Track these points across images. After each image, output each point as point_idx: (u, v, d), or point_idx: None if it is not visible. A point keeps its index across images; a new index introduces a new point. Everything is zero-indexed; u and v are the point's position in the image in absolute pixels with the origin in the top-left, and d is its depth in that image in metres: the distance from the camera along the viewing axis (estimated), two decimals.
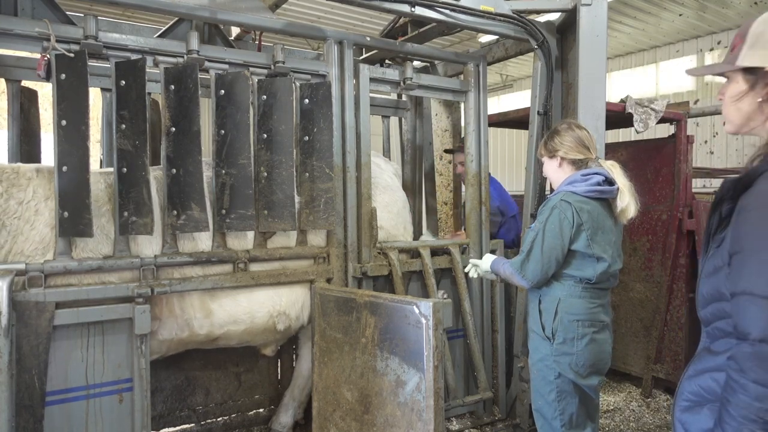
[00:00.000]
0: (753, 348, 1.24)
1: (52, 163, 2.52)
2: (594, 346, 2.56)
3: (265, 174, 2.94)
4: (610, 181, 2.63)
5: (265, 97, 2.95)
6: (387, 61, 4.10)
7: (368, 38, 3.47)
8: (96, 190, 2.64)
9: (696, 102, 11.04)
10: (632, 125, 4.34)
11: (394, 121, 4.53)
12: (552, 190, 2.85)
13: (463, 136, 4.28)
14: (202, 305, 2.86)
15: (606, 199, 2.63)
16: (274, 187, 2.95)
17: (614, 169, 2.67)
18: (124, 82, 2.60)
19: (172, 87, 2.72)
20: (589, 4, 3.37)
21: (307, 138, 3.07)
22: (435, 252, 3.64)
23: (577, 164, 2.70)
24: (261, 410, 3.82)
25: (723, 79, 1.54)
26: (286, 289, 3.10)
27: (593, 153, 2.73)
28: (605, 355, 2.63)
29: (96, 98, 3.76)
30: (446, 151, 4.45)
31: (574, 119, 3.45)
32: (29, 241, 2.48)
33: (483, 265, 2.90)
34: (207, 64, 2.88)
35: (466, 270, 3.06)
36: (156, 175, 2.86)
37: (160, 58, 2.78)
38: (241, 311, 2.95)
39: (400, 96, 4.37)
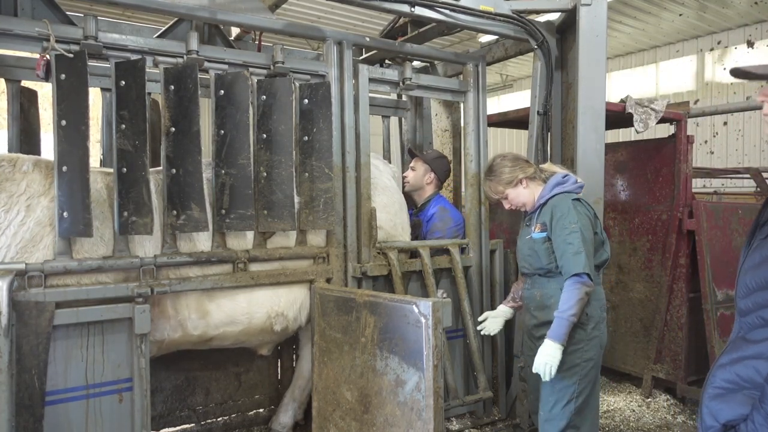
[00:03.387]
0: None
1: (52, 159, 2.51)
2: (604, 327, 2.83)
3: (265, 174, 2.95)
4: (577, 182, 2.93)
5: (264, 97, 2.95)
6: (387, 61, 4.11)
7: (368, 38, 3.47)
8: (93, 191, 2.64)
9: (696, 102, 11.05)
10: (632, 125, 4.34)
11: (394, 121, 4.54)
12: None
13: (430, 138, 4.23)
14: (199, 306, 2.85)
15: None
16: (273, 187, 2.95)
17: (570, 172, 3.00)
18: (124, 83, 2.61)
19: (172, 87, 2.72)
20: (589, 4, 3.37)
21: (306, 138, 3.08)
22: (434, 252, 3.65)
23: (534, 177, 2.92)
24: (261, 410, 3.82)
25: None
26: (285, 290, 3.09)
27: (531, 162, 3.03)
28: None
29: (96, 98, 3.76)
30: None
31: (573, 118, 3.47)
32: (18, 236, 2.45)
33: (553, 356, 2.60)
34: (207, 64, 2.88)
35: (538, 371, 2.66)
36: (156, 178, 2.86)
37: (160, 58, 2.78)
38: (239, 312, 2.94)
39: (399, 96, 4.37)
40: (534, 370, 2.65)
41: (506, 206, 2.99)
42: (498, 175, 2.91)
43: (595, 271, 2.77)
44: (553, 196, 2.80)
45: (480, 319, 3.25)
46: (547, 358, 2.59)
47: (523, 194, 2.91)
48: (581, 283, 2.62)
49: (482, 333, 3.20)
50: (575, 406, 2.73)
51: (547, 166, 3.01)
